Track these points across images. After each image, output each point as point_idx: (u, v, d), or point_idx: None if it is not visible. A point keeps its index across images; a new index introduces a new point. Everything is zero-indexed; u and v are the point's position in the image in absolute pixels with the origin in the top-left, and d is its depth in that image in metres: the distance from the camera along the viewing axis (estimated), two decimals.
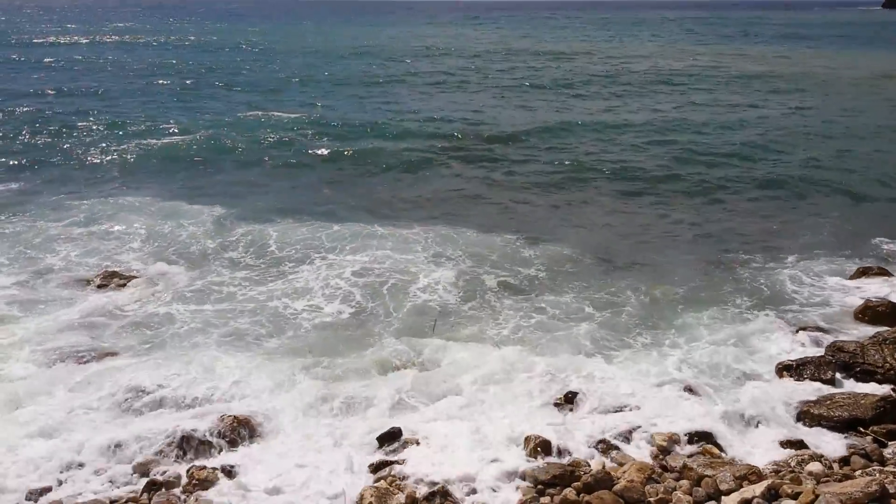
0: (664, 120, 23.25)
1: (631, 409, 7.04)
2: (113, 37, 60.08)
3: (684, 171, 16.90)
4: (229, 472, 6.13)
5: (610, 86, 31.83)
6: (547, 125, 22.14)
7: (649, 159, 18.06)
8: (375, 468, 6.17)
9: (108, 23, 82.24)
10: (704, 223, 13.22)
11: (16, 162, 17.04)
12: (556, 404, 7.18)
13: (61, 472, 6.10)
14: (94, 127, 21.16)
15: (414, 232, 12.40)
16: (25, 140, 19.49)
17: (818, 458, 6.21)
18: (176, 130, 20.84)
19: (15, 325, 8.80)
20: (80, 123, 21.44)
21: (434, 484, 5.85)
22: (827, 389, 7.41)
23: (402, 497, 5.70)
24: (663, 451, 6.39)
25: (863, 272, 10.59)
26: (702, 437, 6.56)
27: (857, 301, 9.59)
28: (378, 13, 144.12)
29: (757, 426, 6.85)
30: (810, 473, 5.87)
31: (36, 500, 5.79)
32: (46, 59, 39.28)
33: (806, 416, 6.93)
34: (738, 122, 22.85)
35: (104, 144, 18.88)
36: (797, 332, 8.80)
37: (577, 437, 6.58)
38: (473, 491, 5.86)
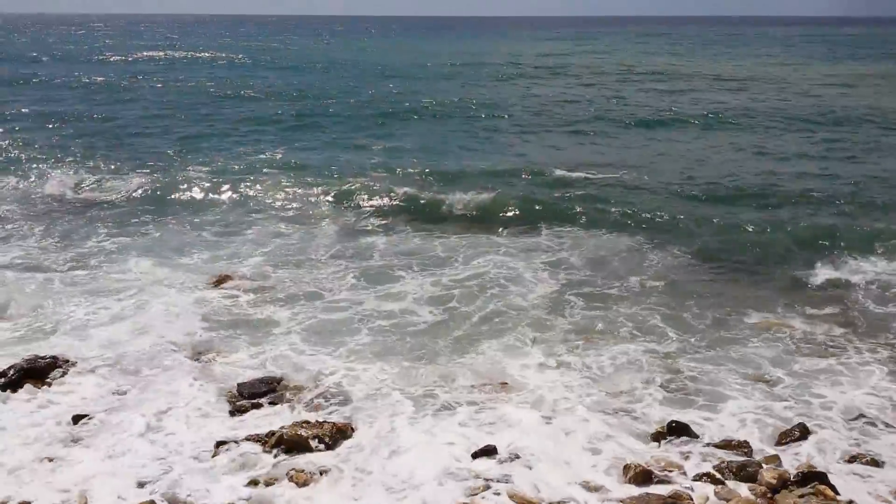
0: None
1: (738, 444, 6.73)
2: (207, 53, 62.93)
3: None
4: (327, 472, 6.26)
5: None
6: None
7: None
8: (471, 492, 6.11)
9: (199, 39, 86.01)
10: None
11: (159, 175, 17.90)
12: (658, 433, 6.95)
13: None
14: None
15: None
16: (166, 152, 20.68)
17: None
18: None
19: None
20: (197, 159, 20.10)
21: None
22: None
23: None
24: (772, 488, 6.07)
25: None
26: (814, 477, 6.18)
27: None
28: (466, 28, 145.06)
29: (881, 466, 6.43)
30: None
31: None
32: (170, 79, 41.59)
33: None
34: None
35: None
36: None
37: (680, 468, 6.34)
38: None
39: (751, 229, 13.05)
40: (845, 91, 33.29)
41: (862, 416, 7.27)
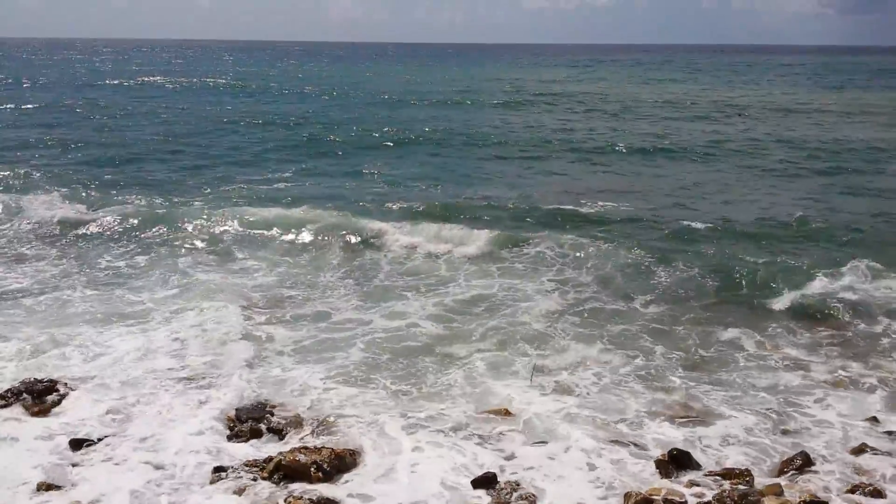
0: None
1: (740, 473, 6.67)
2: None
3: None
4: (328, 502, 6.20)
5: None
6: None
7: None
8: None
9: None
10: None
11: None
12: (659, 461, 6.87)
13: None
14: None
15: None
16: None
17: None
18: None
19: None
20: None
21: None
22: None
23: None
24: None
25: None
26: None
27: None
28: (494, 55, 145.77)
29: (884, 496, 6.35)
30: None
31: None
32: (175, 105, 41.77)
33: None
34: None
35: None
36: None
37: (682, 496, 6.27)
38: None
39: (748, 258, 13.03)
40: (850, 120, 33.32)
41: (865, 444, 7.21)
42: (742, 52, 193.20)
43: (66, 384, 8.16)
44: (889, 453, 7.05)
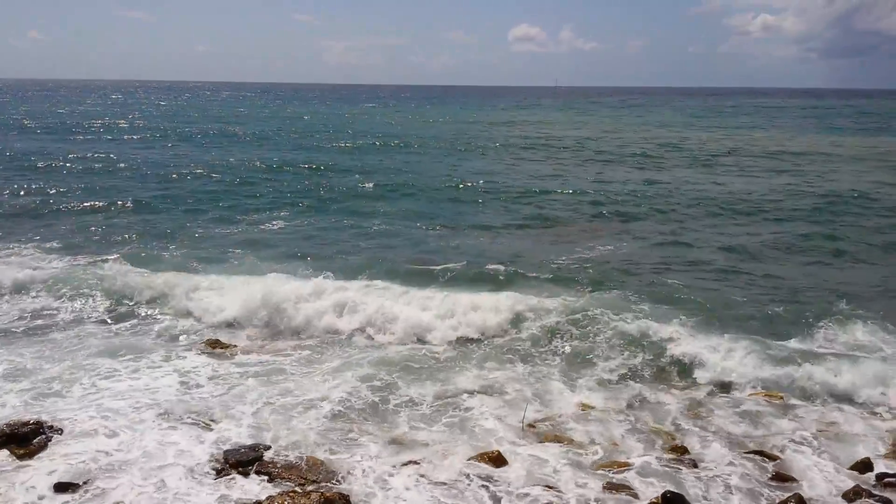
0: None
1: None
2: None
3: None
4: None
5: None
6: None
7: None
8: None
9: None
10: None
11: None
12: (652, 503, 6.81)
13: None
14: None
15: None
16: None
17: None
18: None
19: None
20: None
21: None
22: None
23: None
24: None
25: None
26: None
27: None
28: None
29: None
30: None
31: None
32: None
33: None
34: None
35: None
36: None
37: None
38: None
39: (743, 298, 13.03)
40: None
41: (858, 487, 7.17)
42: (729, 96, 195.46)
43: (52, 426, 8.04)
44: (886, 500, 7.01)
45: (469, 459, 7.67)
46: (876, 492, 7.09)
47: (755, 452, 7.96)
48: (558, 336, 11.32)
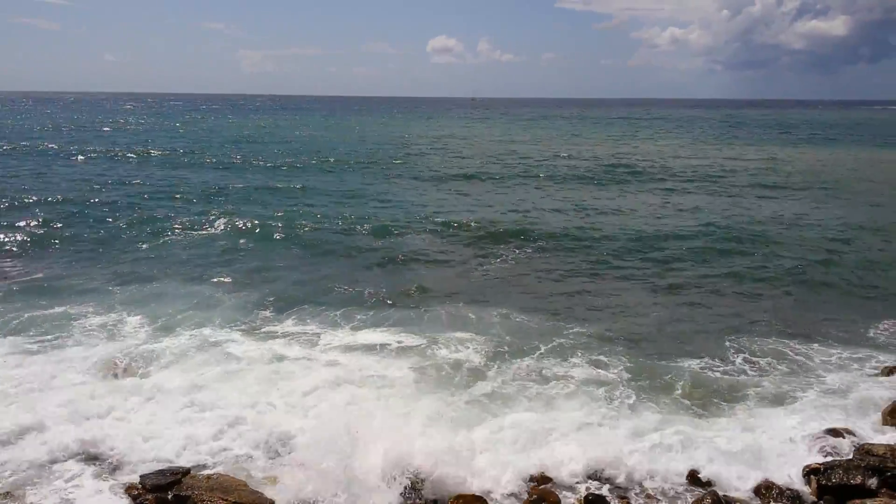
0: None
1: None
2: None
3: None
4: None
5: None
6: None
7: None
8: None
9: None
10: None
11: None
12: None
13: None
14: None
15: None
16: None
17: None
18: None
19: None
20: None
21: None
22: None
23: None
24: None
25: (890, 370, 10.29)
26: None
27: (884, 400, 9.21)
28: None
29: None
30: None
31: None
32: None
33: None
34: None
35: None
36: (825, 432, 8.43)
37: None
38: None
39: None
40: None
41: None
42: (637, 105, 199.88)
43: None
44: None
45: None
46: None
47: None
48: None
